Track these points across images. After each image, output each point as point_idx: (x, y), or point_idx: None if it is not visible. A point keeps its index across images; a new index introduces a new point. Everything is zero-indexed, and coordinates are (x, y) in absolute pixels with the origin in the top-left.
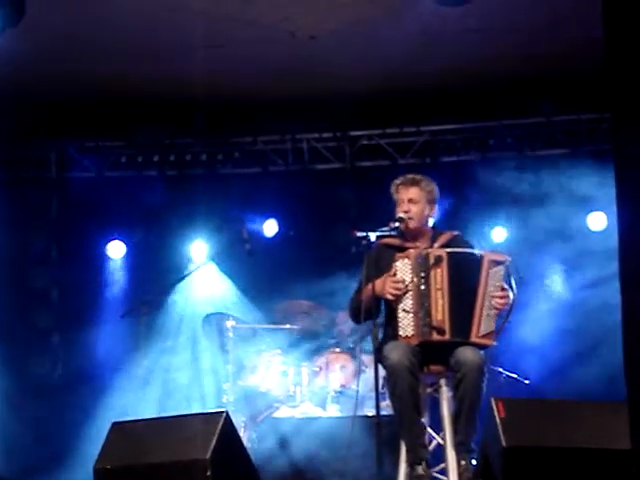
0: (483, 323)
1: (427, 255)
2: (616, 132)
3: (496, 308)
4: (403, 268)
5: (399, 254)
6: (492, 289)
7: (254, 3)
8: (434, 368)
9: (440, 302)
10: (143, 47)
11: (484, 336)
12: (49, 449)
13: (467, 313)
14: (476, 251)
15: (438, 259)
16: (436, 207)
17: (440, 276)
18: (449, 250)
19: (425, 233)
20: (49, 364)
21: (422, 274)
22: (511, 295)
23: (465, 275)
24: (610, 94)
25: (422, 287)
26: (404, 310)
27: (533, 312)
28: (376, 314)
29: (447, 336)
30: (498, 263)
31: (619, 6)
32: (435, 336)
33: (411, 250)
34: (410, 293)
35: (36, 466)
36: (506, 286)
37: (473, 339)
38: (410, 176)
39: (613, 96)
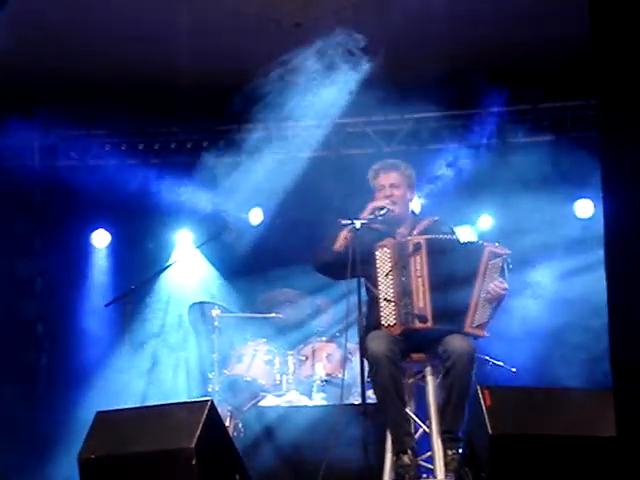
0: (478, 314)
1: (406, 243)
2: (601, 119)
3: (491, 299)
4: (383, 257)
5: (378, 244)
6: (489, 281)
7: None
8: (417, 356)
9: (421, 289)
10: (128, 35)
11: (477, 327)
12: (34, 439)
13: (458, 302)
14: (475, 241)
15: (417, 246)
16: (414, 192)
17: (419, 263)
18: (428, 237)
19: (406, 219)
20: (33, 354)
21: (401, 263)
22: (506, 286)
23: (449, 262)
24: (596, 80)
25: (403, 275)
26: (386, 299)
27: (519, 300)
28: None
29: (429, 323)
30: (497, 255)
31: None
32: (417, 324)
33: (389, 239)
34: (391, 282)
35: (21, 456)
36: (502, 279)
37: (467, 329)
38: (389, 161)
39: (599, 82)
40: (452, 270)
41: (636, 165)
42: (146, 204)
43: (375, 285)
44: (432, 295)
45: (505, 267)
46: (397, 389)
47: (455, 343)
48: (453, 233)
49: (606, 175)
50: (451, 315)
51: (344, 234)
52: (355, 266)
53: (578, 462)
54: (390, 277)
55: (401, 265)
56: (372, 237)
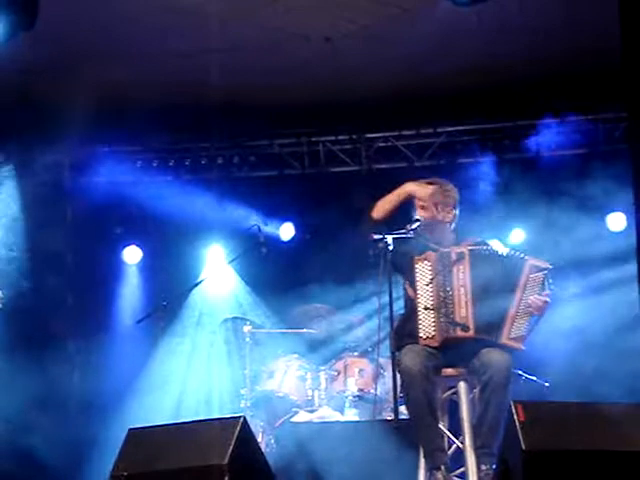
0: (516, 326)
1: (449, 253)
2: (633, 132)
3: (531, 312)
4: (423, 269)
5: (418, 257)
6: (529, 293)
7: (268, 6)
8: (450, 371)
9: (463, 299)
10: (158, 51)
11: (515, 339)
12: (66, 456)
13: (497, 313)
14: (517, 253)
15: (460, 256)
16: (454, 211)
17: (462, 273)
18: (471, 247)
19: (451, 233)
20: (65, 370)
21: (444, 272)
22: (548, 300)
23: (492, 273)
24: (626, 94)
25: (445, 284)
26: (426, 308)
27: (552, 314)
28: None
29: (471, 332)
30: (539, 269)
31: (635, 6)
32: (459, 332)
33: (430, 252)
34: (432, 292)
35: (53, 473)
36: (543, 292)
37: (504, 341)
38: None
39: (629, 96)
40: (494, 281)
41: None
42: (177, 220)
43: (415, 294)
44: (474, 305)
45: (546, 282)
46: (430, 404)
47: (492, 357)
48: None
49: (638, 188)
50: (490, 326)
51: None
52: (387, 277)
53: (613, 478)
54: (431, 286)
55: (443, 274)
56: (411, 247)
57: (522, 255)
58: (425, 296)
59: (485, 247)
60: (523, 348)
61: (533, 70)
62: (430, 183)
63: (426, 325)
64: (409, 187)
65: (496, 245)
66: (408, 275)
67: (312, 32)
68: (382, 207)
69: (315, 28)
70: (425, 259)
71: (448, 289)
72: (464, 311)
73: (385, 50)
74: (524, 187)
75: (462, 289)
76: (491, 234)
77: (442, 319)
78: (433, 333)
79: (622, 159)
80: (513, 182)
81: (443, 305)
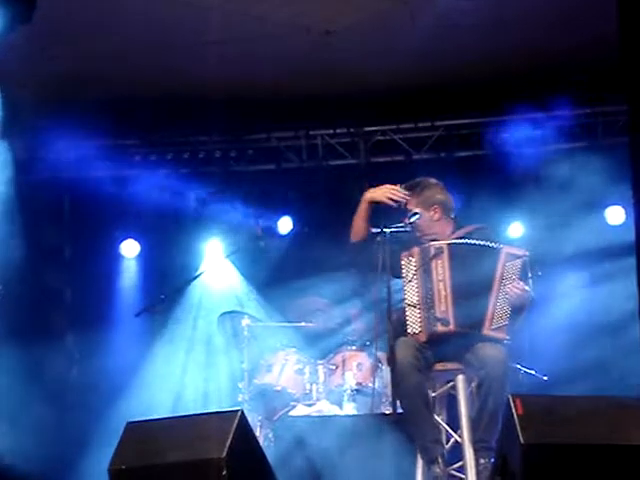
0: (497, 316)
1: (429, 248)
2: (632, 125)
3: (511, 301)
4: (408, 265)
5: (404, 253)
6: (507, 282)
7: None
8: (449, 365)
9: (443, 293)
10: (155, 44)
11: (496, 329)
12: (64, 450)
13: (477, 305)
14: (492, 244)
15: (438, 250)
16: (440, 208)
17: (441, 267)
18: (450, 241)
19: (445, 227)
20: (63, 364)
21: (425, 267)
22: (527, 289)
23: (471, 265)
24: (626, 87)
25: (426, 280)
26: (410, 305)
27: (551, 307)
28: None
29: (451, 327)
30: (515, 257)
31: None
32: (440, 327)
33: (415, 248)
34: (415, 288)
35: (51, 467)
36: (522, 280)
37: (485, 332)
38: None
39: (630, 89)
40: (473, 274)
41: None
42: (175, 214)
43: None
44: (454, 299)
45: (527, 269)
46: (423, 398)
47: (487, 351)
48: (491, 241)
49: (637, 181)
50: (471, 319)
51: (358, 221)
52: (385, 271)
53: (611, 471)
54: (414, 283)
55: (424, 270)
56: (402, 244)
57: (499, 244)
58: (410, 292)
59: (464, 240)
60: (507, 338)
61: (532, 63)
62: (412, 185)
63: (412, 322)
64: (366, 196)
65: (489, 232)
66: (399, 271)
67: (311, 25)
68: (355, 229)
69: (314, 21)
70: (410, 255)
71: (429, 284)
72: (444, 306)
73: (383, 43)
74: (522, 180)
75: (441, 284)
76: (490, 228)
77: (425, 315)
78: (419, 329)
79: (621, 152)
80: (511, 175)
81: (425, 301)
